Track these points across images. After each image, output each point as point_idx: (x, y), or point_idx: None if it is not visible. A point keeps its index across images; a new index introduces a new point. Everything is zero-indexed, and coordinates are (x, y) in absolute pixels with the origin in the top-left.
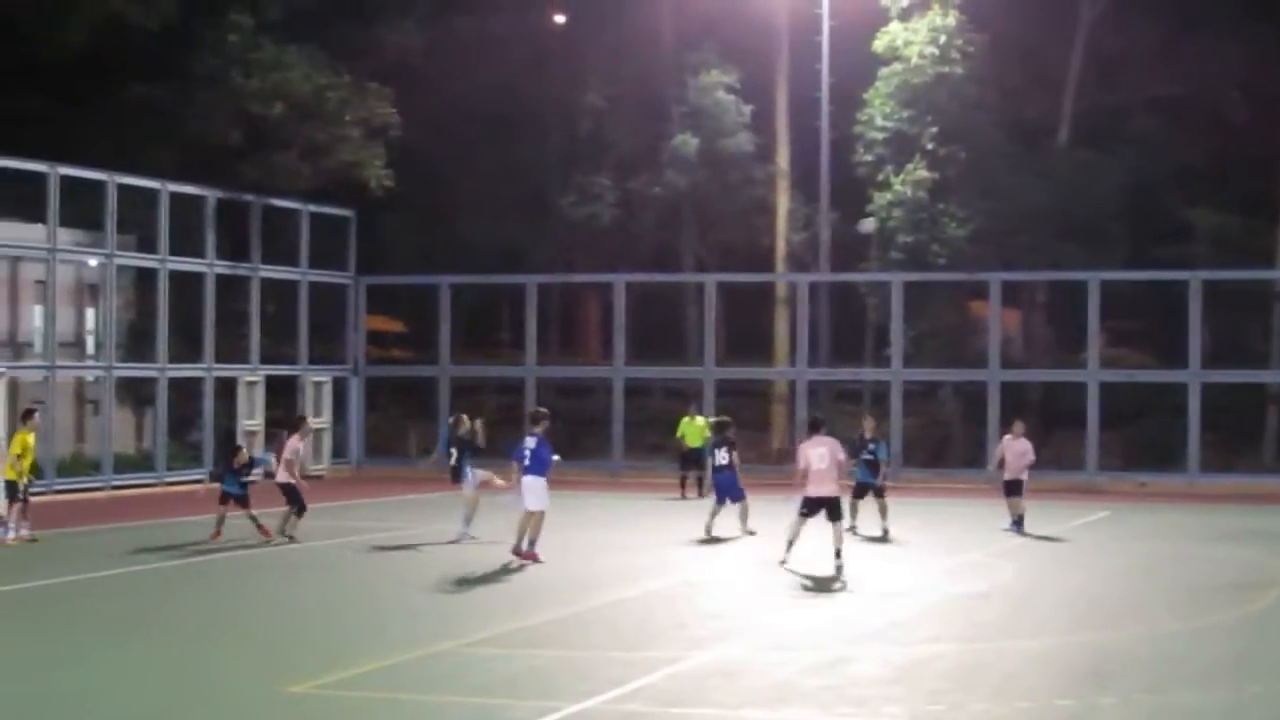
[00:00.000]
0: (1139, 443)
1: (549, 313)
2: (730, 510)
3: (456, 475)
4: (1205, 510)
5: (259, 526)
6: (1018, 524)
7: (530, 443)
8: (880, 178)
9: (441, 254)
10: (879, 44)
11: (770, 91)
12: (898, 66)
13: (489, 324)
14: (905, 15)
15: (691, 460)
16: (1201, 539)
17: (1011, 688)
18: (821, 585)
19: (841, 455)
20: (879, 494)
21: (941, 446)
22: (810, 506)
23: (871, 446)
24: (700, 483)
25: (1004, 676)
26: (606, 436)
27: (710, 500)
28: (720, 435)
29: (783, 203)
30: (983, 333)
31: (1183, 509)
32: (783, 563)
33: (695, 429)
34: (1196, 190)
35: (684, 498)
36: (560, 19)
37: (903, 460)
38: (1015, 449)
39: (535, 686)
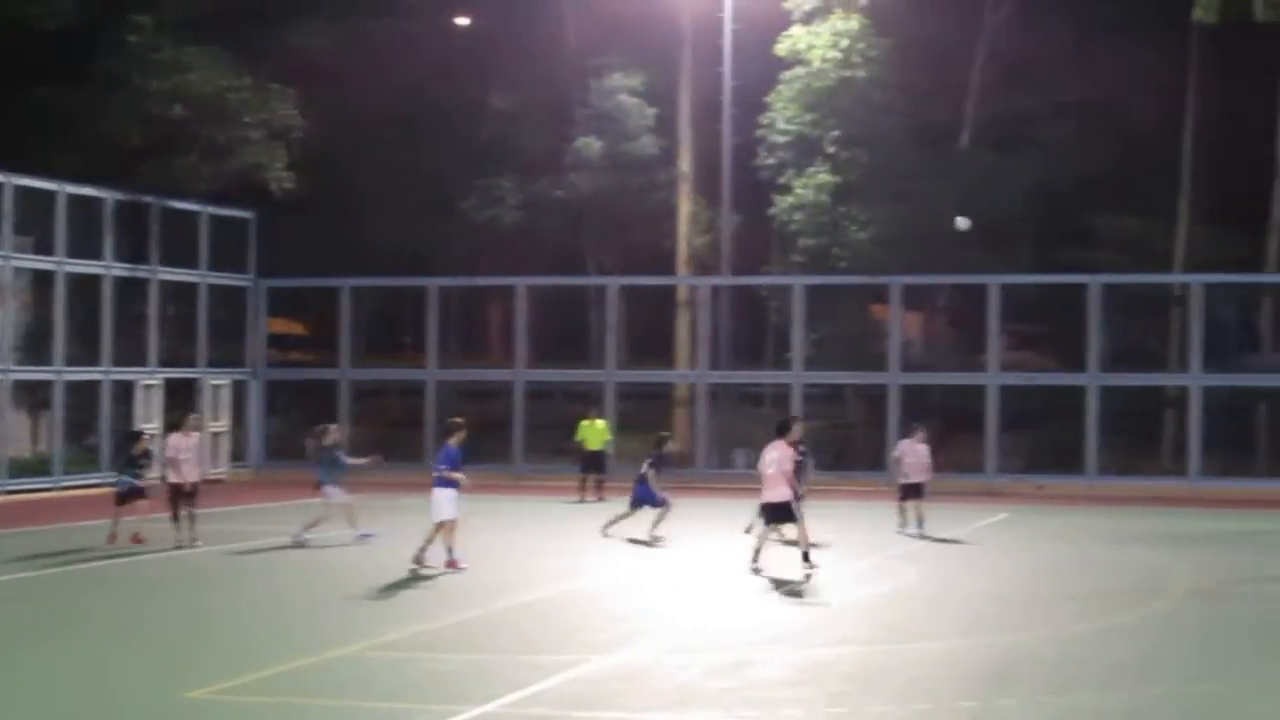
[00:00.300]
0: (1038, 445)
1: (451, 316)
2: (644, 516)
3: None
4: (1104, 513)
5: (134, 536)
6: (919, 526)
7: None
8: (783, 181)
9: (345, 257)
10: (782, 48)
11: (674, 95)
12: (800, 70)
13: (391, 327)
14: (808, 19)
15: (592, 463)
16: (1101, 541)
17: (914, 690)
18: (728, 587)
19: (789, 465)
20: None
21: (843, 449)
22: (762, 512)
23: (802, 449)
24: (600, 486)
25: (906, 679)
26: (508, 439)
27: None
28: (658, 450)
29: (685, 206)
30: (884, 336)
31: (1082, 511)
32: (755, 571)
33: (595, 432)
34: (1099, 194)
35: (584, 501)
36: (464, 21)
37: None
38: (915, 453)
39: (438, 690)
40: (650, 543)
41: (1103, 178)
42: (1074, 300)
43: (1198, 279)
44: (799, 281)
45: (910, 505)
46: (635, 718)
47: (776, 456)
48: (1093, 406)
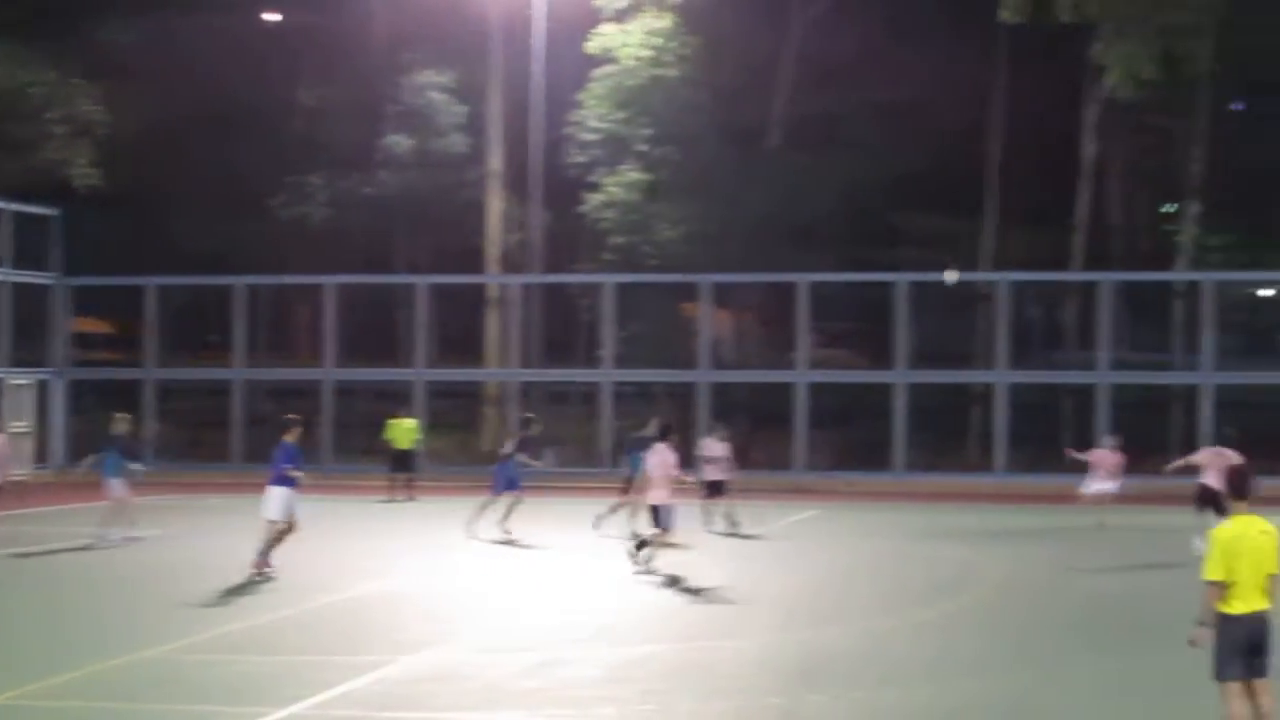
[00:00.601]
0: (847, 442)
1: (259, 314)
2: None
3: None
4: (912, 509)
5: None
6: (729, 525)
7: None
8: (593, 179)
9: (152, 254)
10: (593, 45)
11: (484, 92)
12: (611, 68)
13: (199, 326)
14: (619, 17)
15: (401, 462)
16: (910, 537)
17: (723, 687)
18: (539, 586)
19: (673, 469)
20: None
21: None
22: (650, 514)
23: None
24: (410, 485)
25: (717, 676)
26: (316, 439)
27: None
28: (524, 432)
29: (495, 204)
30: (694, 334)
31: (890, 507)
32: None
33: (404, 431)
34: (907, 194)
35: (393, 500)
36: (273, 17)
37: (615, 461)
38: (714, 451)
39: (244, 692)
40: (503, 538)
41: (911, 177)
42: (882, 298)
43: (1004, 277)
44: (609, 280)
45: (714, 503)
46: (444, 717)
47: (660, 460)
48: (900, 403)
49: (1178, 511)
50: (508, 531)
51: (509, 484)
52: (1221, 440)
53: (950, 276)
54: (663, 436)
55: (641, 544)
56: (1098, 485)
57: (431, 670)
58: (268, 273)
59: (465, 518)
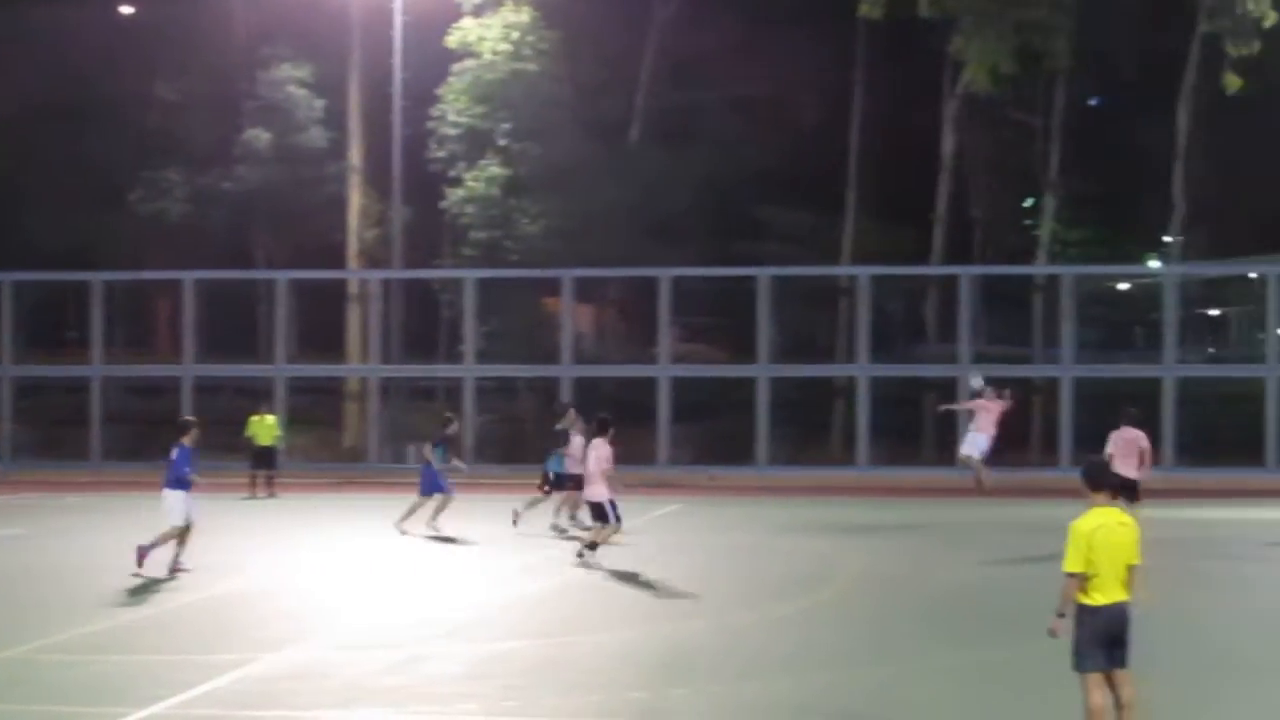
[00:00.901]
0: (710, 436)
1: (117, 311)
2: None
3: None
4: (775, 503)
5: None
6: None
7: (173, 454)
8: (454, 174)
9: (6, 250)
10: (453, 40)
11: (344, 86)
12: (471, 62)
13: (56, 322)
14: (479, 11)
15: (262, 459)
16: (772, 531)
17: (586, 681)
18: (400, 583)
19: (607, 465)
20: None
21: (516, 443)
22: (589, 510)
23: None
24: (271, 482)
25: (578, 671)
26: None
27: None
28: (443, 431)
29: (356, 199)
30: (556, 329)
31: (753, 502)
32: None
33: (265, 428)
34: (768, 188)
35: (254, 497)
36: (129, 10)
37: (478, 457)
38: (573, 444)
39: (102, 692)
40: (435, 535)
41: (772, 172)
42: (744, 293)
43: (865, 271)
44: (471, 275)
45: (572, 497)
46: (302, 716)
47: (597, 455)
48: (763, 397)
49: (1038, 504)
50: (436, 529)
51: (435, 486)
52: (1126, 420)
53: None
54: (602, 431)
55: (591, 545)
56: (979, 444)
57: (292, 668)
58: (126, 268)
59: (393, 516)
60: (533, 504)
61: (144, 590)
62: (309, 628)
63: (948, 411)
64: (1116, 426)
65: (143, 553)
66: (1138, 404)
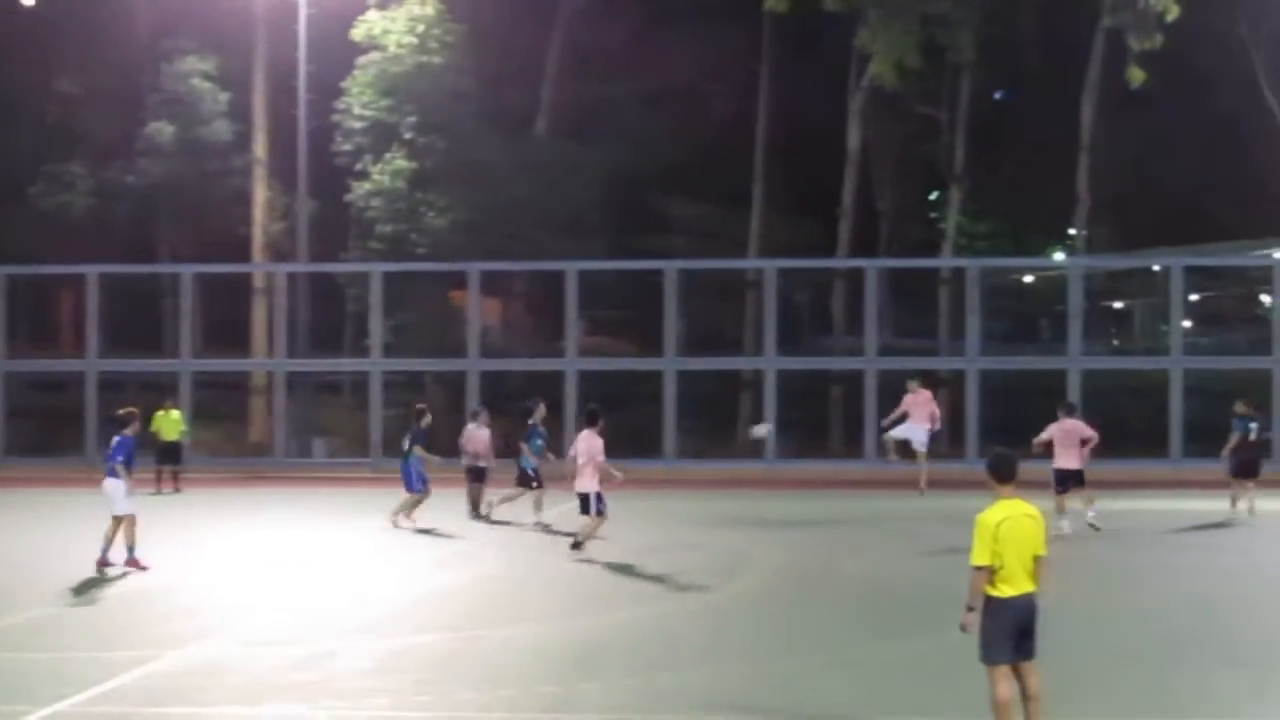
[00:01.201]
0: (617, 430)
1: (19, 305)
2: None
3: None
4: (683, 496)
5: None
6: (488, 510)
7: (113, 442)
8: (360, 167)
9: None
10: (358, 33)
11: (248, 79)
12: (377, 55)
13: None
14: (384, 4)
15: (167, 454)
16: (682, 524)
17: (497, 675)
18: (306, 578)
19: (600, 456)
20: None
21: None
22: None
23: (543, 430)
24: (176, 477)
25: (490, 665)
26: (81, 431)
27: None
28: (418, 425)
29: (261, 192)
30: (463, 322)
31: (661, 495)
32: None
33: (170, 423)
34: (674, 182)
35: (160, 492)
36: (29, 1)
37: (385, 451)
38: (476, 438)
39: (7, 691)
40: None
41: (678, 165)
42: (651, 286)
43: (771, 264)
44: (377, 269)
45: (477, 489)
46: (210, 712)
47: (586, 447)
48: (670, 390)
49: (946, 496)
50: (413, 520)
51: (419, 479)
52: (1066, 411)
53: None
54: (591, 423)
55: (577, 543)
56: (918, 434)
57: (198, 664)
58: (28, 263)
59: (387, 510)
60: (507, 499)
61: (48, 587)
62: (215, 623)
63: (889, 425)
64: (1026, 418)
65: (130, 562)
66: (1043, 396)
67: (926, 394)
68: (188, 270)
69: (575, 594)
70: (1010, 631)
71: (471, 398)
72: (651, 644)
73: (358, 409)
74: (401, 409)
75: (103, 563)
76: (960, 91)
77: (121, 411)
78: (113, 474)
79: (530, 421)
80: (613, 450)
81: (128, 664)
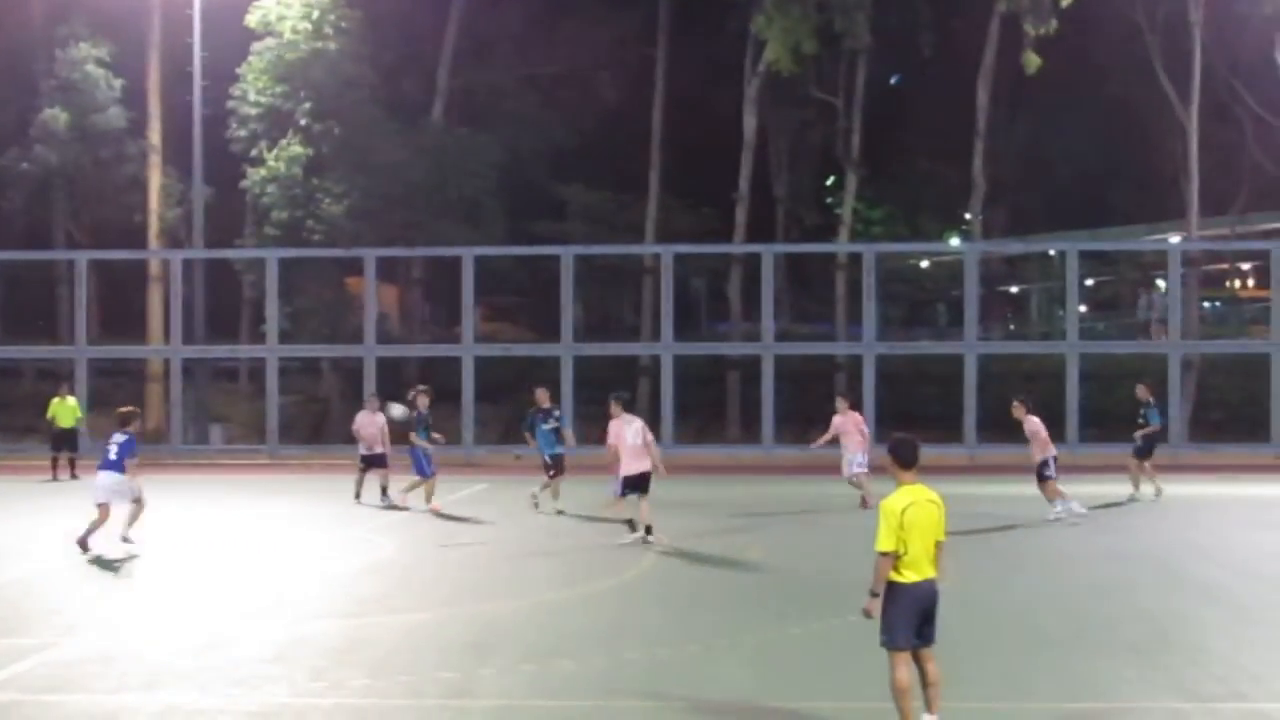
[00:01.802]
0: (515, 416)
1: None
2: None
3: None
4: (580, 481)
5: None
6: (383, 497)
7: (116, 440)
8: (255, 153)
9: None
10: (253, 19)
11: (143, 65)
12: (272, 41)
13: None
14: None
15: (64, 441)
16: (578, 509)
17: (393, 662)
18: (203, 565)
19: (650, 435)
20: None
21: (320, 423)
22: (631, 484)
23: (557, 413)
24: (73, 464)
25: (386, 651)
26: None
27: None
28: (415, 410)
29: (156, 178)
30: (360, 309)
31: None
32: (647, 540)
33: (67, 410)
34: (570, 168)
35: (56, 479)
36: None
37: (282, 438)
38: (373, 424)
39: None
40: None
41: (575, 151)
42: (548, 272)
43: (668, 250)
44: (273, 255)
45: (374, 476)
46: (108, 699)
47: (640, 427)
48: (568, 376)
49: (843, 481)
50: (434, 505)
51: (428, 462)
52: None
53: (396, 411)
54: (629, 407)
55: (648, 529)
56: (855, 458)
57: (95, 652)
58: None
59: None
60: (546, 487)
61: None
62: (111, 611)
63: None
64: (923, 403)
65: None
66: (939, 382)
67: (856, 416)
68: (83, 257)
69: (471, 581)
70: (912, 617)
71: (368, 385)
72: (545, 630)
73: (255, 396)
74: (298, 396)
75: (81, 543)
76: (856, 78)
77: (124, 410)
78: (111, 468)
79: (417, 411)
80: (512, 438)
81: (24, 651)
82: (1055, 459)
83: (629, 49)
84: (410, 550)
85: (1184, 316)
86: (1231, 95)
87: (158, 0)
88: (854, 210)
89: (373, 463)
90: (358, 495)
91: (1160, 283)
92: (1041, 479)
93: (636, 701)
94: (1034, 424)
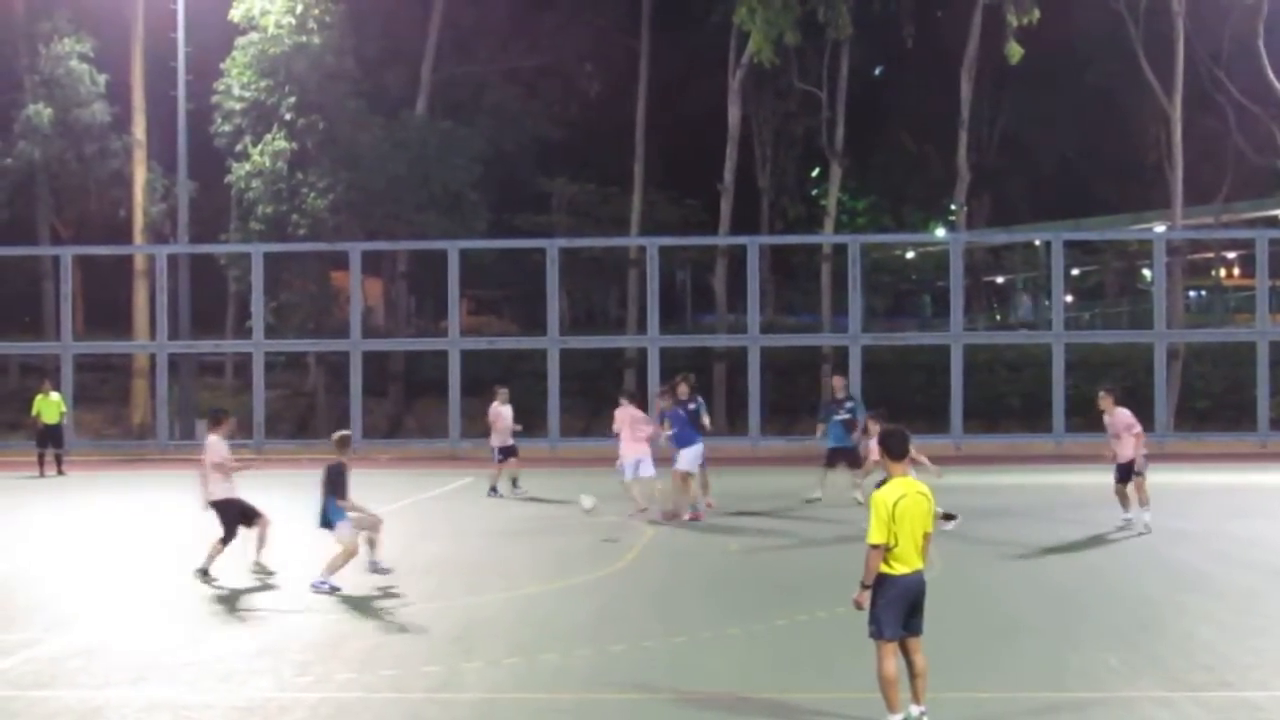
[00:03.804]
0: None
1: None
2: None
3: None
4: (566, 473)
5: None
6: None
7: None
8: (239, 148)
9: None
10: (236, 13)
11: (127, 60)
12: (255, 36)
13: None
14: None
15: (49, 437)
16: (563, 503)
17: (379, 656)
18: (188, 562)
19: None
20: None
21: (306, 417)
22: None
23: (850, 405)
24: (59, 460)
25: (371, 646)
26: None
27: None
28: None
29: (141, 173)
30: (345, 302)
31: (544, 474)
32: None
33: (51, 405)
34: (554, 161)
35: (43, 475)
36: None
37: (266, 432)
38: (506, 415)
39: None
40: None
41: (559, 144)
42: (533, 265)
43: (653, 242)
44: (258, 249)
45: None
46: (95, 695)
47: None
48: (553, 369)
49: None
50: (518, 489)
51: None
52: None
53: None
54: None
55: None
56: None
57: (82, 646)
58: None
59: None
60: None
61: None
62: (99, 606)
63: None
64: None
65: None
66: (925, 372)
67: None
68: (68, 252)
69: (457, 573)
70: (901, 608)
71: (354, 378)
72: (529, 623)
73: (241, 390)
74: (284, 390)
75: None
76: (839, 69)
77: (216, 410)
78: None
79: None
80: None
81: (12, 646)
82: (1146, 456)
83: (612, 42)
84: (396, 543)
85: (1169, 305)
86: (1214, 84)
87: None
88: (838, 201)
89: (509, 454)
90: (494, 488)
91: (1145, 272)
92: (1130, 477)
93: (623, 694)
94: (1126, 416)
